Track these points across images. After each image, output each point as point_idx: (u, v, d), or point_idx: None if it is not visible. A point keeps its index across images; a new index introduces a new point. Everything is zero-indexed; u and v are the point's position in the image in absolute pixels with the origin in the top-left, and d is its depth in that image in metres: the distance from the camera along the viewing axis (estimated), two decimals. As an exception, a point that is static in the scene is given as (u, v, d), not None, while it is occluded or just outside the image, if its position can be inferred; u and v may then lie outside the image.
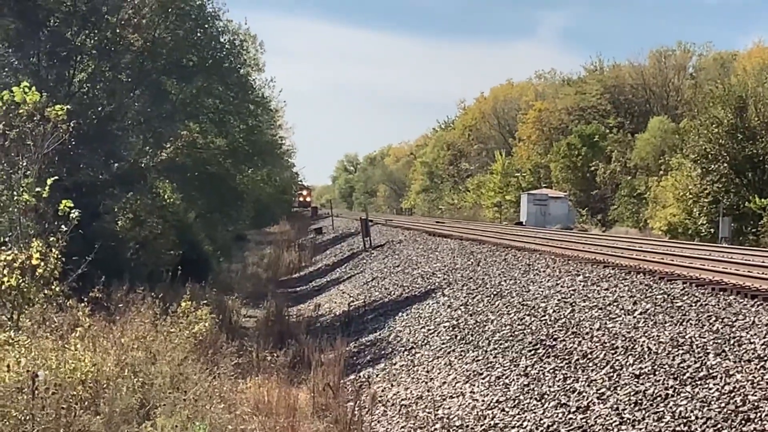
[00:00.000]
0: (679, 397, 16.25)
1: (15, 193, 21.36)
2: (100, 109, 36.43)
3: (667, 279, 25.42)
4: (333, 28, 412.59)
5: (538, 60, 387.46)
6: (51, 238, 20.12)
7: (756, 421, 14.25)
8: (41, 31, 34.49)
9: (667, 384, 17.00)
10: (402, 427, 20.42)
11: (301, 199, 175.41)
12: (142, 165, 40.54)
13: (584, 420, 17.14)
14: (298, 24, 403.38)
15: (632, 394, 17.28)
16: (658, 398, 16.57)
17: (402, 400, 22.41)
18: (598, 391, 18.16)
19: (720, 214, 59.08)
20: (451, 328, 27.85)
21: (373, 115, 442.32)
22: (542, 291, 28.41)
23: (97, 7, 35.63)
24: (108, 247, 29.31)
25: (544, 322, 24.58)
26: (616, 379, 18.39)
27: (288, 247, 75.39)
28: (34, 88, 21.94)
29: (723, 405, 15.17)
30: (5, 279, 19.15)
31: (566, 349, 21.64)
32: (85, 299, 20.35)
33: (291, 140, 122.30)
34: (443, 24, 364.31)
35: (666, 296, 23.10)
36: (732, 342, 18.00)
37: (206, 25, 42.57)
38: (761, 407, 14.57)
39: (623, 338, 20.65)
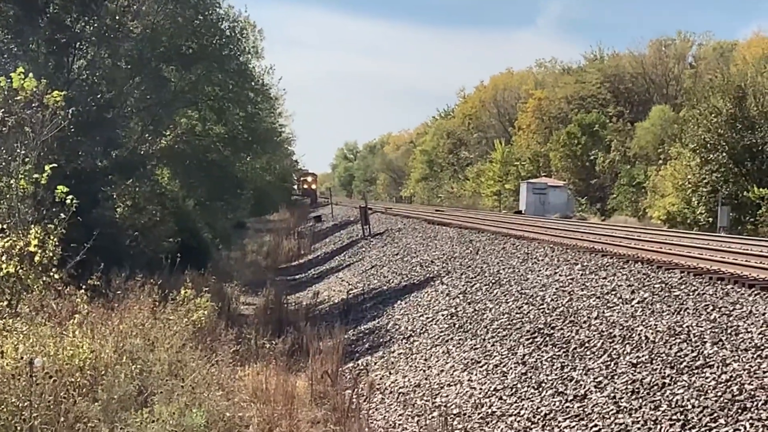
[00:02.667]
0: (675, 385, 16.28)
1: (13, 179, 21.36)
2: (99, 96, 36.35)
3: (665, 268, 25.43)
4: (333, 17, 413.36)
5: (538, 49, 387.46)
6: (49, 225, 20.14)
7: (752, 410, 14.27)
8: (40, 17, 34.42)
9: (664, 373, 17.02)
10: (400, 415, 20.46)
11: (306, 186, 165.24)
12: (142, 152, 40.58)
13: (581, 408, 17.17)
14: (298, 13, 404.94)
15: (629, 382, 17.31)
16: (655, 387, 16.59)
17: (400, 388, 22.45)
18: (596, 380, 18.20)
19: (719, 204, 59.11)
20: (449, 317, 27.88)
21: (373, 103, 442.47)
22: (540, 280, 28.43)
23: (96, -7, 35.59)
24: (107, 234, 29.31)
25: (542, 310, 24.61)
26: (614, 368, 18.42)
27: (287, 235, 75.47)
28: (31, 75, 21.92)
29: (720, 394, 15.19)
30: (3, 266, 19.18)
31: (564, 337, 21.66)
32: (84, 286, 20.40)
33: (291, 128, 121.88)
34: (443, 13, 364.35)
35: (664, 285, 23.12)
36: (729, 331, 18.01)
37: (206, 12, 42.54)
38: (758, 396, 14.59)
39: (621, 327, 20.68)
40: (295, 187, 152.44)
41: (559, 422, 17.07)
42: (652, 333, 19.47)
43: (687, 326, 19.09)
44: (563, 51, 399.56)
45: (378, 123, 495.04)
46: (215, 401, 16.89)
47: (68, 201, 20.23)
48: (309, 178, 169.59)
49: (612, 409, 16.49)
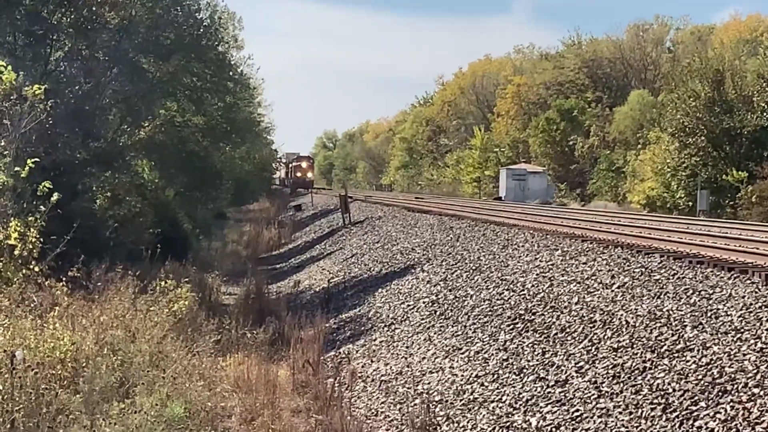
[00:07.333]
0: (656, 369, 16.33)
1: (-8, 173, 21.30)
2: (77, 87, 36.25)
3: (645, 252, 25.43)
4: (312, 5, 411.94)
5: (516, 35, 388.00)
6: (29, 218, 20.10)
7: (733, 392, 14.32)
8: (17, 9, 34.26)
9: (645, 357, 17.07)
10: (382, 403, 20.49)
11: (299, 174, 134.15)
12: (120, 144, 40.47)
13: (563, 393, 17.22)
14: (278, 2, 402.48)
15: (610, 367, 17.36)
16: (636, 371, 16.64)
17: (382, 375, 22.47)
18: (577, 365, 18.24)
19: (698, 188, 59.36)
20: (430, 304, 27.90)
21: (352, 91, 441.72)
22: (521, 266, 28.45)
23: (73, -15, 35.44)
24: (87, 226, 29.24)
25: (522, 296, 24.64)
26: (595, 353, 18.47)
27: (267, 225, 75.32)
28: (10, 67, 21.86)
29: (700, 377, 15.24)
30: (-17, 259, 19.15)
31: (545, 323, 21.70)
32: (64, 278, 20.38)
33: (270, 117, 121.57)
34: (422, 0, 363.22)
35: (644, 270, 23.15)
36: (709, 314, 18.06)
37: (184, 3, 42.39)
38: (738, 379, 14.65)
39: (601, 312, 20.72)
40: (276, 175, 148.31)
41: (541, 408, 17.12)
42: (632, 317, 19.52)
43: (667, 310, 19.14)
44: (540, 37, 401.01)
45: (357, 111, 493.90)
46: (197, 391, 16.90)
47: (53, 198, 20.28)
48: (303, 164, 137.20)
49: (593, 394, 16.54)
